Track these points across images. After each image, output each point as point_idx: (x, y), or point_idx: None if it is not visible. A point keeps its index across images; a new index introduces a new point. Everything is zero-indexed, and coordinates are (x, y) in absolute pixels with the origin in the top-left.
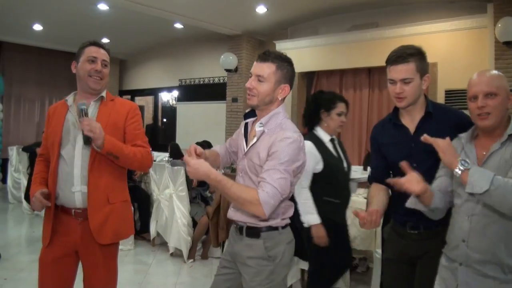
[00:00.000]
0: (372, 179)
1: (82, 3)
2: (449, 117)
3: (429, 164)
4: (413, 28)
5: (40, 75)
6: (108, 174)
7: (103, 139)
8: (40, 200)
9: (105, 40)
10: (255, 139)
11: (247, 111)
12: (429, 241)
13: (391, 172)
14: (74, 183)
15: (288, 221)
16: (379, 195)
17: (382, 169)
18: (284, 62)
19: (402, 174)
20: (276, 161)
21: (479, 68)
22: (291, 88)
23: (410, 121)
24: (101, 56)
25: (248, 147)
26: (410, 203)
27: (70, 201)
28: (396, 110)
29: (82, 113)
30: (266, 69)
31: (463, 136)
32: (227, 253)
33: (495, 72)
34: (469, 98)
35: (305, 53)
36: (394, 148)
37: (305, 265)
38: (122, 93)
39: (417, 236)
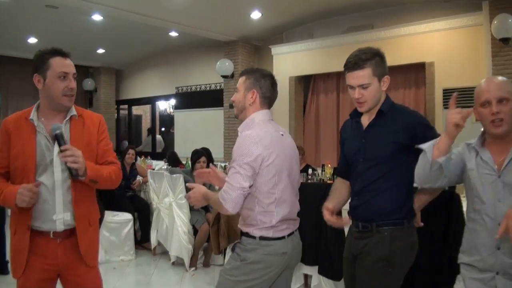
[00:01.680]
0: (338, 172)
1: (77, 15)
2: (402, 118)
3: (373, 160)
4: (409, 28)
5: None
6: (88, 198)
7: (85, 166)
8: (30, 189)
9: (100, 51)
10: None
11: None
12: (365, 240)
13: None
14: (56, 211)
15: (270, 233)
16: (340, 188)
17: (345, 164)
18: (252, 73)
19: (352, 167)
20: (232, 162)
21: (477, 66)
22: (260, 92)
23: (367, 119)
24: (71, 69)
25: None
26: (427, 145)
27: (50, 227)
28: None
29: (61, 140)
30: (240, 80)
31: (474, 142)
32: None
33: (502, 78)
34: (480, 104)
35: (301, 57)
36: (349, 142)
37: (308, 270)
38: (119, 103)
39: (357, 234)
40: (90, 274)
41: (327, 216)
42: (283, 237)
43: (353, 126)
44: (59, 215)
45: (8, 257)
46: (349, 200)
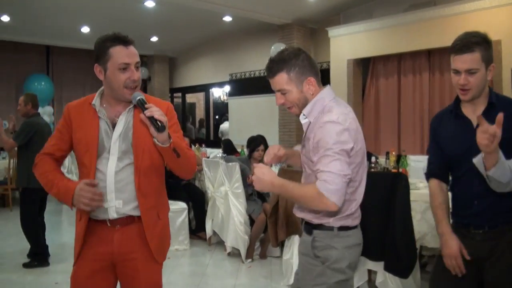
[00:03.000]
0: (430, 174)
1: (129, 2)
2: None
3: None
4: (473, 4)
5: (89, 78)
6: (154, 188)
7: (168, 130)
8: (90, 190)
9: (154, 39)
10: (304, 133)
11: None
12: (495, 241)
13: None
14: (108, 198)
15: (349, 222)
16: (445, 201)
17: (441, 164)
18: (289, 61)
19: (460, 169)
20: (323, 149)
21: None
22: (310, 73)
23: (472, 112)
24: (133, 59)
25: (302, 143)
26: (477, 159)
27: (104, 215)
28: (457, 100)
29: (143, 103)
30: (281, 81)
31: None
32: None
33: None
34: None
35: (360, 39)
36: (454, 141)
37: (373, 266)
38: (172, 91)
39: (481, 236)
40: (150, 269)
41: (461, 264)
42: (357, 226)
43: (455, 122)
44: (110, 203)
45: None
46: (453, 204)
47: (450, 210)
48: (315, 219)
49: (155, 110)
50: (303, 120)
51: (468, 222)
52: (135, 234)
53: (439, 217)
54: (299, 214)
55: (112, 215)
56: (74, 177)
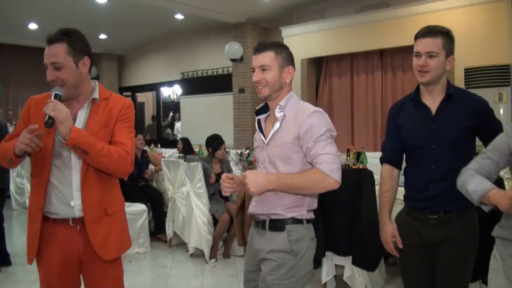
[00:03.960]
0: (384, 160)
1: None
2: (468, 101)
3: (447, 146)
4: (426, 6)
5: (37, 76)
6: (103, 181)
7: (69, 127)
8: (29, 130)
9: (102, 36)
10: (277, 125)
11: (257, 108)
12: (449, 225)
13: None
14: (74, 196)
15: (313, 215)
16: (392, 188)
17: (397, 151)
18: (279, 47)
19: (417, 155)
20: (316, 135)
21: (498, 43)
22: (294, 69)
23: (431, 102)
24: (48, 59)
25: (270, 136)
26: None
27: (68, 213)
28: (417, 90)
29: (56, 97)
30: (267, 57)
31: None
32: (249, 257)
33: None
34: None
35: (313, 38)
36: (413, 128)
37: (340, 261)
38: (122, 90)
39: (436, 220)
40: (109, 268)
41: (393, 248)
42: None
43: (415, 109)
44: (77, 201)
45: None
46: (406, 188)
47: (404, 194)
48: (287, 213)
49: (50, 105)
50: (278, 113)
51: (424, 206)
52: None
53: (381, 203)
54: (260, 211)
55: (78, 213)
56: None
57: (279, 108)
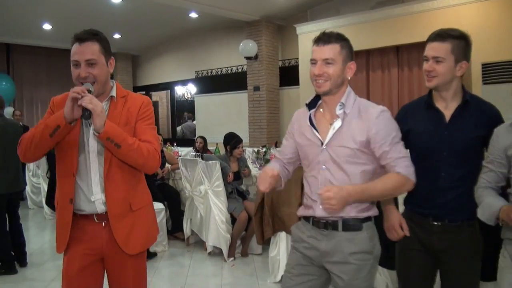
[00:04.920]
0: None
1: None
2: (484, 110)
3: (460, 155)
4: (442, 1)
5: (51, 76)
6: (127, 177)
7: (104, 120)
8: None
9: (116, 36)
10: (338, 123)
11: (307, 101)
12: (453, 234)
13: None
14: (94, 191)
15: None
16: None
17: None
18: (344, 40)
19: (427, 161)
20: (389, 137)
21: None
22: (355, 64)
23: (445, 107)
24: (83, 56)
25: (331, 135)
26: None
27: (90, 209)
28: (430, 93)
29: (90, 92)
30: (332, 50)
31: None
32: (304, 258)
33: None
34: None
35: None
36: (425, 133)
37: None
38: (136, 89)
39: (440, 228)
40: (132, 263)
41: (400, 233)
42: None
43: (427, 113)
44: (96, 196)
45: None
46: (410, 193)
47: (405, 198)
48: (363, 213)
49: (87, 99)
50: (339, 111)
51: (428, 213)
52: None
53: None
54: (329, 214)
55: (100, 208)
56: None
57: (340, 106)
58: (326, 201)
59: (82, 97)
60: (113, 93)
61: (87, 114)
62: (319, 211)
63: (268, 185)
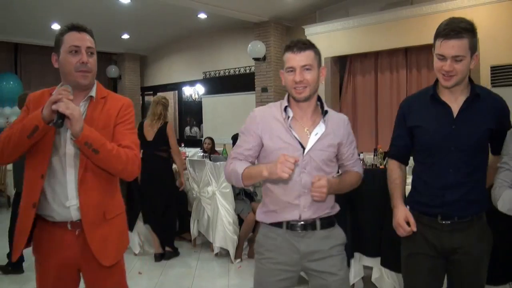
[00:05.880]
0: (392, 156)
1: None
2: (493, 101)
3: (468, 149)
4: (451, 3)
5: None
6: (103, 183)
7: (82, 124)
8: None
9: (125, 36)
10: (322, 129)
11: (285, 105)
12: (464, 232)
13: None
14: (69, 196)
15: None
16: (402, 176)
17: (407, 147)
18: (315, 46)
19: (434, 157)
20: (354, 143)
21: None
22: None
23: (453, 101)
24: (84, 43)
25: (316, 140)
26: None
27: (64, 215)
28: (435, 85)
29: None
30: (309, 57)
31: None
32: (284, 264)
33: None
34: None
35: (336, 37)
36: (431, 128)
37: (369, 262)
38: (144, 89)
39: (450, 226)
40: (109, 272)
41: (407, 229)
42: None
43: (433, 107)
44: (72, 201)
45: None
46: (416, 192)
47: (409, 197)
48: (333, 209)
49: (60, 104)
50: (324, 117)
51: (436, 212)
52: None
53: (392, 190)
54: (312, 215)
55: (75, 214)
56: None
57: (325, 112)
58: (318, 189)
59: (57, 101)
60: (93, 93)
61: (59, 122)
62: (305, 214)
63: (289, 171)
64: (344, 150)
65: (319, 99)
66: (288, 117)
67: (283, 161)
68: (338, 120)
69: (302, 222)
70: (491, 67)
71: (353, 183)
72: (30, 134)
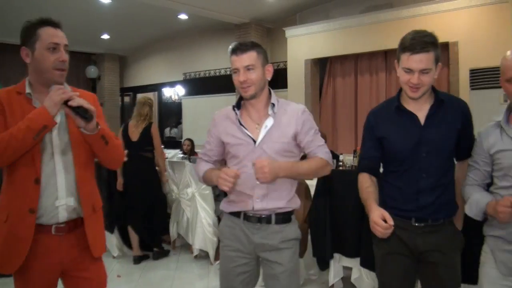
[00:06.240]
0: (363, 169)
1: None
2: (457, 104)
3: (439, 153)
4: (430, 7)
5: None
6: (90, 179)
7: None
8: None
9: (105, 36)
10: (271, 122)
11: (234, 104)
12: (437, 234)
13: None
14: (59, 195)
15: None
16: (373, 185)
17: (375, 159)
18: (258, 46)
19: (405, 164)
20: (312, 129)
21: (503, 44)
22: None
23: (418, 109)
24: (62, 40)
25: (265, 133)
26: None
27: (52, 217)
28: (399, 95)
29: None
30: (250, 57)
31: (499, 119)
32: (242, 252)
33: None
34: (507, 80)
35: (317, 39)
36: (400, 138)
37: (348, 262)
38: (123, 90)
39: (422, 229)
40: (96, 266)
41: (383, 225)
42: None
43: (399, 117)
44: (61, 200)
45: None
46: (389, 198)
47: (381, 202)
48: (288, 205)
49: (78, 99)
50: (270, 110)
51: (410, 216)
52: (79, 237)
53: (364, 197)
54: (265, 206)
55: (63, 215)
56: None
57: (271, 106)
58: (259, 169)
59: (70, 99)
60: (67, 87)
61: (89, 115)
62: (257, 205)
63: (232, 185)
64: (301, 137)
65: (271, 93)
66: (236, 114)
67: (223, 177)
68: (291, 111)
69: (258, 215)
70: (470, 70)
71: (315, 168)
72: (37, 135)
